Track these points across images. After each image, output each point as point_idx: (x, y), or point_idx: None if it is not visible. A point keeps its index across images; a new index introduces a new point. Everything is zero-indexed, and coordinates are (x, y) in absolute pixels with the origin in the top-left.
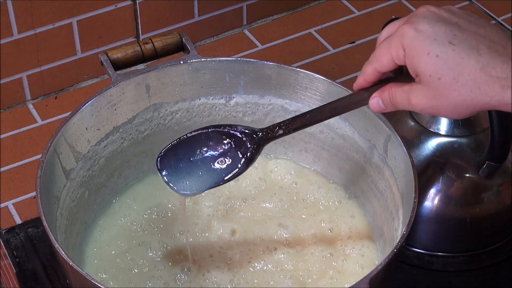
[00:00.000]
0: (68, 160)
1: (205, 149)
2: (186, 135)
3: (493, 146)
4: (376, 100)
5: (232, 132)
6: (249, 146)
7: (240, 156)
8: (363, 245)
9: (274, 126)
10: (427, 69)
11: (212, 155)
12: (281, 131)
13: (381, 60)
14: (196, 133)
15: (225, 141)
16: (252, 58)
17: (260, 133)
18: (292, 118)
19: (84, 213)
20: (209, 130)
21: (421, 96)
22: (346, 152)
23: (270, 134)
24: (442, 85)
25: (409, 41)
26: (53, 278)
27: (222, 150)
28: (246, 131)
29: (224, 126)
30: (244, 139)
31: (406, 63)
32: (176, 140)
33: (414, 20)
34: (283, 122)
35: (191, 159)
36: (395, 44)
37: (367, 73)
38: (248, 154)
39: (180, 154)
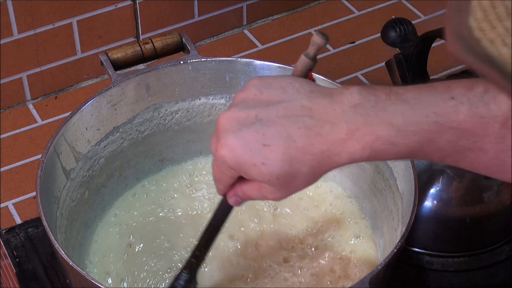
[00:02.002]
0: (68, 160)
1: None
2: None
3: None
4: (234, 199)
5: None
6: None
7: None
8: (363, 245)
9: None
10: (263, 177)
11: None
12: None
13: (223, 181)
14: None
15: None
16: (252, 58)
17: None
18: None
19: (84, 213)
20: None
21: (273, 191)
22: None
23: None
24: (283, 181)
25: (232, 162)
26: (53, 278)
27: None
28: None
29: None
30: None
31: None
32: None
33: (221, 139)
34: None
35: None
36: (224, 169)
37: (220, 190)
38: None
39: None
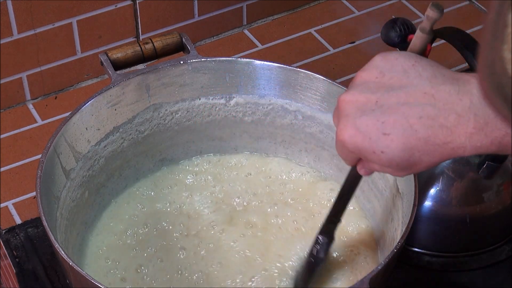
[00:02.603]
0: (68, 160)
1: None
2: None
3: None
4: (363, 171)
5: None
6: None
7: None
8: (363, 245)
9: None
10: (382, 163)
11: None
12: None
13: (348, 159)
14: None
15: None
16: (252, 58)
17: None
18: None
19: (84, 213)
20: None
21: (394, 172)
22: None
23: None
24: (403, 166)
25: (352, 148)
26: (53, 278)
27: None
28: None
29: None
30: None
31: None
32: None
33: (341, 123)
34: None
35: None
36: (345, 151)
37: (348, 164)
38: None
39: None
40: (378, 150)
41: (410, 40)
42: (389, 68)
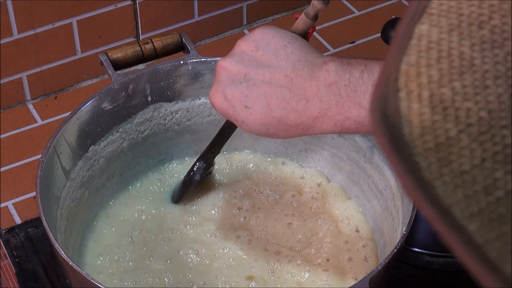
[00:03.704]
0: (68, 160)
1: None
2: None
3: None
4: None
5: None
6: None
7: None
8: (363, 245)
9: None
10: (245, 129)
11: None
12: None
13: None
14: None
15: None
16: None
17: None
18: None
19: (84, 213)
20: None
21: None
22: (346, 152)
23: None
24: (262, 135)
25: (220, 111)
26: (53, 278)
27: None
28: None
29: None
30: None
31: None
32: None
33: (213, 87)
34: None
35: None
36: (216, 110)
37: None
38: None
39: None
40: (239, 119)
41: None
42: (264, 44)
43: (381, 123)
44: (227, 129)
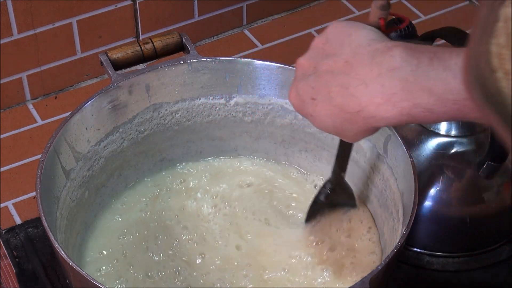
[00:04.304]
0: (68, 160)
1: None
2: None
3: (493, 146)
4: None
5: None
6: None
7: None
8: (363, 245)
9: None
10: (315, 125)
11: None
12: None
13: None
14: None
15: None
16: (252, 58)
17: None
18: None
19: (84, 213)
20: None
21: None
22: None
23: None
24: (333, 131)
25: (296, 109)
26: (53, 278)
27: None
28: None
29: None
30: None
31: None
32: None
33: (292, 86)
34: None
35: None
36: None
37: None
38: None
39: None
40: (309, 113)
41: (411, 40)
42: (333, 36)
43: (485, 105)
44: (343, 144)
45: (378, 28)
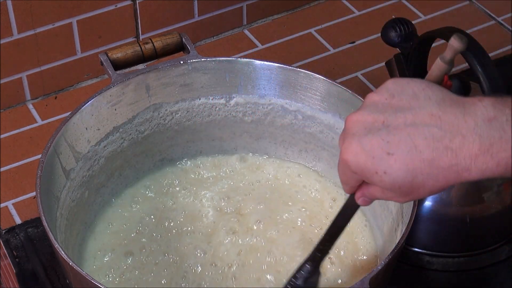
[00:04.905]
0: (68, 160)
1: None
2: None
3: None
4: (362, 199)
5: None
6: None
7: None
8: (363, 245)
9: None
10: (384, 185)
11: None
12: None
13: (349, 183)
14: None
15: None
16: (252, 58)
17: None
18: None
19: (84, 213)
20: None
21: (395, 197)
22: None
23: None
24: (406, 190)
25: (354, 168)
26: (53, 278)
27: None
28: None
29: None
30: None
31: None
32: None
33: (346, 142)
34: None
35: None
36: (347, 172)
37: (347, 190)
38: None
39: None
40: (381, 170)
41: (411, 40)
42: (399, 91)
43: None
44: (344, 217)
45: (439, 84)
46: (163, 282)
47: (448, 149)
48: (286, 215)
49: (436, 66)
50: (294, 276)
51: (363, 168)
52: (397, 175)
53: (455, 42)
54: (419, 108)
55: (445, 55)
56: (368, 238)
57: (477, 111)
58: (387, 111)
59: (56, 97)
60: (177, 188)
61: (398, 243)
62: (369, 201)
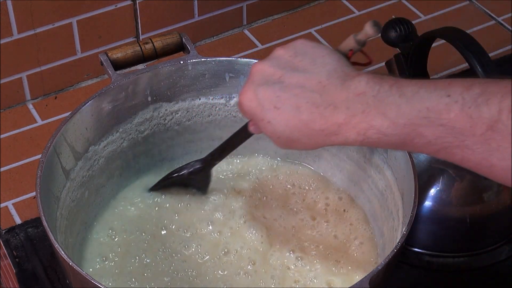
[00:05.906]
0: (68, 160)
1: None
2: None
3: None
4: (253, 128)
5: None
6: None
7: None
8: (363, 245)
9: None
10: (266, 131)
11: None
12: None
13: (243, 116)
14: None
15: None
16: (252, 58)
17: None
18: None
19: (84, 213)
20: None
21: (276, 142)
22: (346, 152)
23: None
24: (284, 140)
25: (245, 110)
26: (53, 278)
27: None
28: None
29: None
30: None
31: None
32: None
33: (245, 86)
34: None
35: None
36: (241, 111)
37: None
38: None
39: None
40: (266, 119)
41: (411, 40)
42: (303, 52)
43: None
44: (238, 139)
45: (345, 57)
46: (164, 281)
47: (322, 115)
48: (287, 215)
49: (348, 41)
50: (181, 168)
51: (253, 113)
52: (278, 127)
53: (369, 29)
54: (312, 73)
55: (359, 36)
56: (368, 238)
57: (351, 85)
58: (286, 68)
59: (56, 97)
60: (177, 189)
61: (398, 243)
62: (258, 131)
